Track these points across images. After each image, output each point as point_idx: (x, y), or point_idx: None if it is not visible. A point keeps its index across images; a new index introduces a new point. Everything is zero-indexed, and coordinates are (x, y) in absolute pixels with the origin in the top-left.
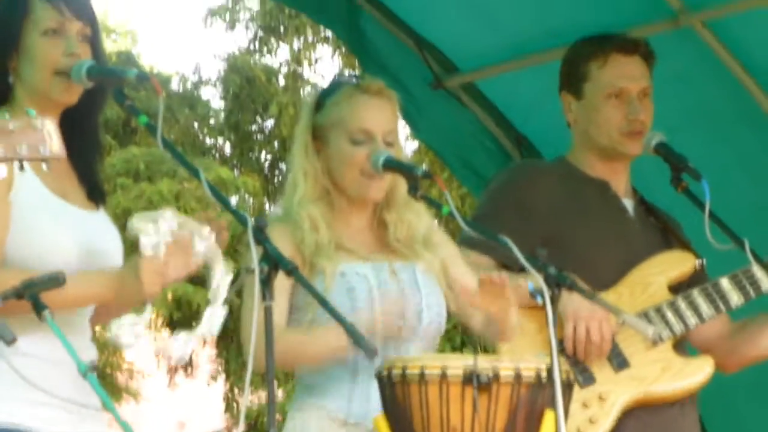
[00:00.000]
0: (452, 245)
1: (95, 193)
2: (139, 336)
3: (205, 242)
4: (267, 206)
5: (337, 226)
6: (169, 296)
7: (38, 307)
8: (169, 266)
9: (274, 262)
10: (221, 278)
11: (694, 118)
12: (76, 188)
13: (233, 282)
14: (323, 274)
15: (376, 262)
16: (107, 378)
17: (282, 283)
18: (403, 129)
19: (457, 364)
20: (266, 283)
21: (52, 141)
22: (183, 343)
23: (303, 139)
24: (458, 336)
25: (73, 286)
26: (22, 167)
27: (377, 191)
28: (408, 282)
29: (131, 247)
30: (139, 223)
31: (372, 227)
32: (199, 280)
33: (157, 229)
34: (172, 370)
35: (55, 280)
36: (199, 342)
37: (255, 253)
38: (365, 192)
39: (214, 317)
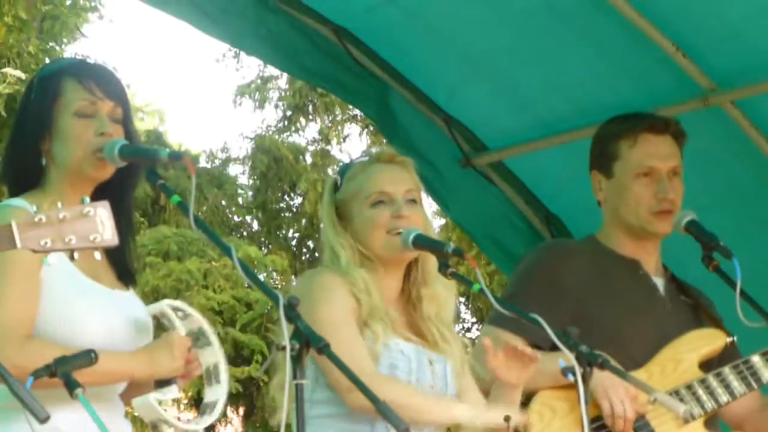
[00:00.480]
0: (462, 344)
1: (126, 275)
2: (160, 414)
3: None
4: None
5: (380, 293)
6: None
7: (71, 386)
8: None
9: (305, 339)
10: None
11: (724, 196)
12: (107, 268)
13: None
14: (373, 339)
15: (418, 345)
16: None
17: None
18: (430, 206)
19: None
20: (297, 360)
21: (105, 229)
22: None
23: (329, 218)
24: None
25: (105, 363)
26: (72, 257)
27: (407, 253)
28: (440, 376)
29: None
30: (171, 309)
31: (401, 301)
32: (230, 359)
33: (188, 318)
34: None
35: (88, 358)
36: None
37: (286, 330)
38: (396, 251)
39: (221, 397)
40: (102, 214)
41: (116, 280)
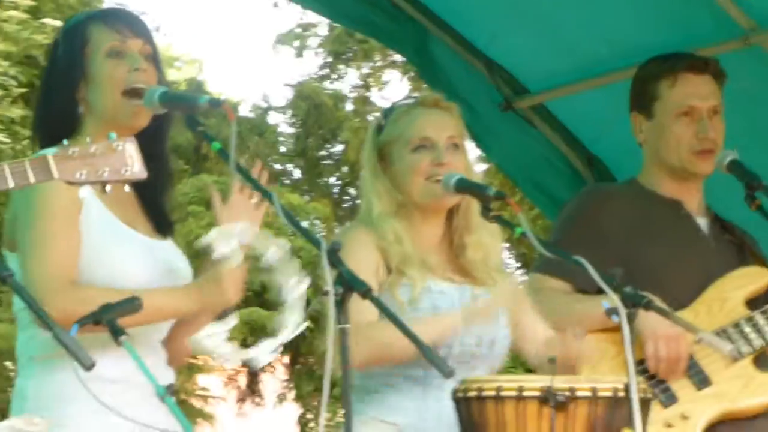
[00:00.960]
0: (516, 280)
1: (162, 224)
2: (223, 342)
3: (277, 253)
4: (337, 231)
5: (415, 242)
6: (243, 322)
7: (116, 332)
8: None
9: (348, 284)
10: (296, 288)
11: (765, 136)
12: (144, 217)
13: (307, 306)
14: (411, 285)
15: (460, 285)
16: (182, 402)
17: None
18: (473, 150)
19: (534, 384)
20: (341, 305)
21: (134, 163)
22: (263, 350)
23: (370, 161)
24: None
25: (153, 301)
26: (104, 189)
27: (447, 200)
28: (491, 313)
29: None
30: (215, 234)
31: (443, 246)
32: (272, 304)
33: (232, 241)
34: (241, 398)
35: (132, 305)
36: (277, 349)
37: (329, 275)
38: (435, 198)
39: (292, 324)
40: (130, 149)
41: (153, 230)
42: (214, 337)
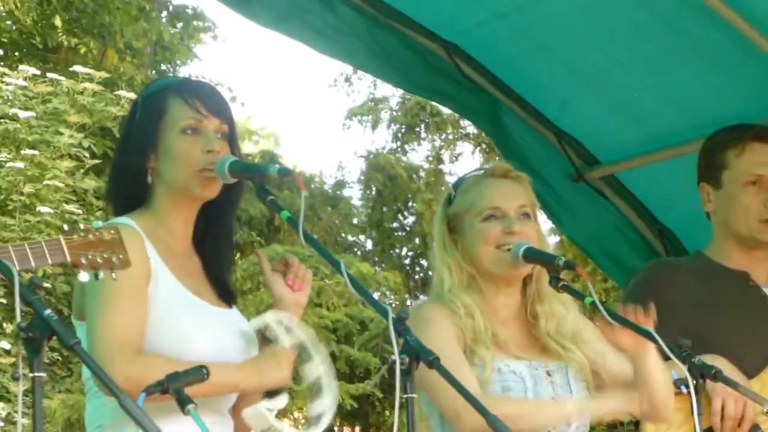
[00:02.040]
0: (602, 338)
1: (226, 293)
2: (271, 422)
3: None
4: (408, 302)
5: (488, 315)
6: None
7: (183, 402)
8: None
9: (415, 353)
10: (318, 366)
11: None
12: (209, 287)
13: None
14: (482, 365)
15: (532, 362)
16: None
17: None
18: (544, 222)
19: None
20: (407, 374)
21: (122, 251)
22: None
23: (440, 233)
24: None
25: (221, 373)
26: (97, 277)
27: (519, 270)
28: (561, 385)
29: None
30: (272, 318)
31: (520, 318)
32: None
33: (290, 333)
34: None
35: (200, 375)
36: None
37: (396, 344)
38: (506, 267)
39: (331, 406)
40: (117, 238)
41: (218, 299)
42: (264, 415)
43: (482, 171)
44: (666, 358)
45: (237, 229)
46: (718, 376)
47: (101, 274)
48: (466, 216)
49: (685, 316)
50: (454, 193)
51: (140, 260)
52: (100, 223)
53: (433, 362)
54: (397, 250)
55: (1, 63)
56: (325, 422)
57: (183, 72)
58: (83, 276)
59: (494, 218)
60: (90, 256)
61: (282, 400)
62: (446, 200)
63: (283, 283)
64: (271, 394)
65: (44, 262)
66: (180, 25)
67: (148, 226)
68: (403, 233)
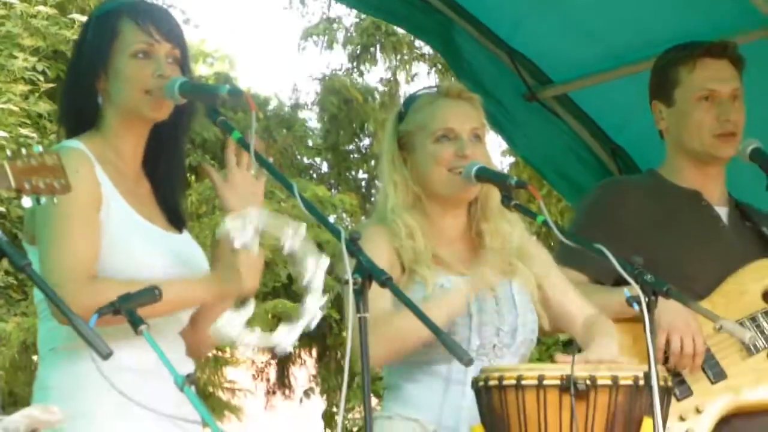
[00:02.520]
0: (548, 256)
1: (177, 217)
2: (243, 329)
3: (293, 238)
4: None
5: (432, 236)
6: (269, 314)
7: (135, 323)
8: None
9: (368, 272)
10: (315, 270)
11: None
12: (159, 211)
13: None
14: (423, 284)
15: (478, 278)
16: (209, 396)
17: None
18: (499, 144)
19: (554, 372)
20: (360, 294)
21: (63, 177)
22: (286, 334)
23: (389, 149)
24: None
25: (172, 291)
26: (39, 201)
27: (468, 192)
28: (504, 299)
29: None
30: (230, 223)
31: (466, 237)
32: (298, 297)
33: (248, 228)
34: (270, 391)
35: (151, 295)
36: (299, 332)
37: (348, 264)
38: (457, 189)
39: (313, 307)
40: (59, 162)
41: (169, 224)
42: (233, 325)
43: (435, 89)
44: (617, 282)
45: (191, 152)
46: (670, 292)
47: (43, 199)
48: (418, 135)
49: (637, 235)
50: (405, 110)
51: (91, 186)
52: (41, 148)
53: (386, 281)
54: (353, 173)
55: None
56: (303, 320)
57: None
58: (26, 201)
59: (447, 139)
60: (33, 182)
61: (249, 309)
62: (397, 116)
63: (233, 190)
64: (238, 304)
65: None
66: None
67: (97, 149)
68: (359, 156)
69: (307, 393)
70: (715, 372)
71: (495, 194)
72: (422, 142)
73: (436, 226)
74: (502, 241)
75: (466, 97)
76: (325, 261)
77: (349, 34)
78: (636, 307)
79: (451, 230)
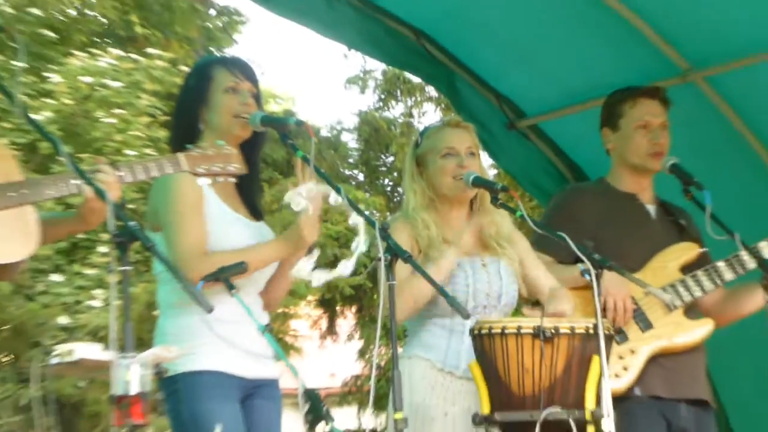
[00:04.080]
0: (526, 242)
1: (255, 211)
2: (312, 270)
3: (333, 195)
4: (389, 217)
5: (443, 227)
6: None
7: (229, 287)
8: (316, 219)
9: (394, 252)
10: (359, 240)
11: (697, 151)
12: (242, 206)
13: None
14: (434, 262)
15: (473, 256)
16: (279, 341)
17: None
18: (486, 160)
19: (529, 323)
20: (389, 268)
21: (236, 161)
22: (343, 267)
23: (410, 167)
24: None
25: (254, 252)
26: (216, 181)
27: (467, 194)
28: (494, 273)
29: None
30: (289, 195)
31: (468, 227)
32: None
33: (303, 196)
34: (323, 337)
35: (240, 268)
36: (352, 267)
37: (381, 246)
38: (459, 192)
39: (347, 265)
40: (233, 152)
41: (250, 214)
42: (305, 268)
43: (441, 122)
44: (576, 261)
45: (263, 168)
46: (611, 267)
47: (219, 179)
48: (429, 154)
49: (589, 226)
50: (420, 139)
51: (195, 189)
52: (223, 143)
53: (408, 258)
54: (381, 181)
55: (97, 47)
56: (358, 250)
57: (225, 53)
58: (201, 180)
59: (450, 156)
60: (207, 167)
61: (314, 255)
62: (415, 144)
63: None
64: (306, 253)
65: (164, 172)
66: (223, 18)
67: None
68: (385, 169)
69: (349, 337)
70: (644, 324)
71: (487, 195)
72: (433, 159)
73: (445, 218)
74: (496, 229)
75: (464, 126)
76: (360, 219)
77: (378, 81)
78: (587, 277)
79: (457, 221)
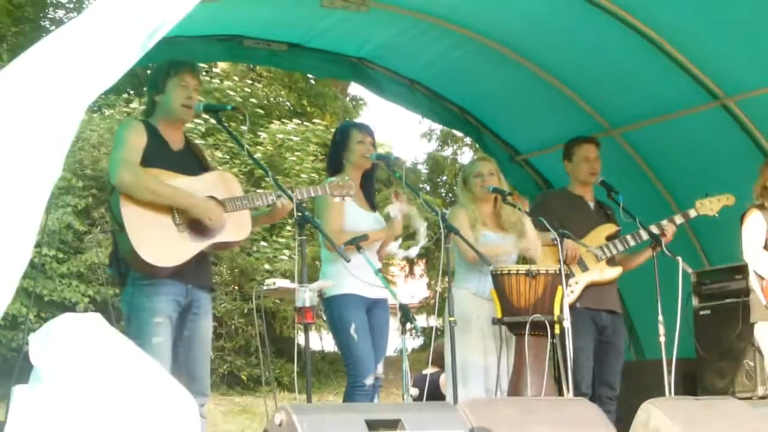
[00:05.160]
0: (530, 223)
1: (372, 206)
2: (398, 248)
3: (416, 215)
4: (445, 210)
5: (479, 213)
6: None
7: (358, 248)
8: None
9: (450, 229)
10: (422, 226)
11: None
12: (365, 202)
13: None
14: (476, 233)
15: (496, 232)
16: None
17: None
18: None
19: (524, 268)
20: (446, 237)
21: (352, 189)
22: (414, 249)
23: (460, 185)
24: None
25: (373, 234)
26: (343, 199)
27: (489, 196)
28: (509, 243)
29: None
30: (389, 208)
31: (494, 214)
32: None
33: (397, 209)
34: (407, 275)
35: (365, 238)
36: (418, 249)
37: (442, 225)
38: (484, 195)
39: (415, 249)
40: (352, 183)
41: (369, 208)
42: (395, 247)
43: (475, 158)
44: (546, 228)
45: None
46: (569, 236)
47: (344, 198)
48: (469, 176)
49: (556, 213)
50: (465, 168)
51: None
52: (348, 177)
53: (456, 232)
54: (439, 191)
55: (285, 118)
56: (420, 242)
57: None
58: (336, 199)
59: (480, 176)
60: (338, 192)
61: (399, 241)
62: (462, 171)
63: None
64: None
65: (317, 194)
66: (353, 101)
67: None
68: (440, 183)
69: (421, 276)
70: (583, 267)
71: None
72: (472, 180)
73: (480, 209)
74: (509, 214)
75: (488, 160)
76: (424, 222)
77: (438, 135)
78: (556, 242)
79: (486, 209)
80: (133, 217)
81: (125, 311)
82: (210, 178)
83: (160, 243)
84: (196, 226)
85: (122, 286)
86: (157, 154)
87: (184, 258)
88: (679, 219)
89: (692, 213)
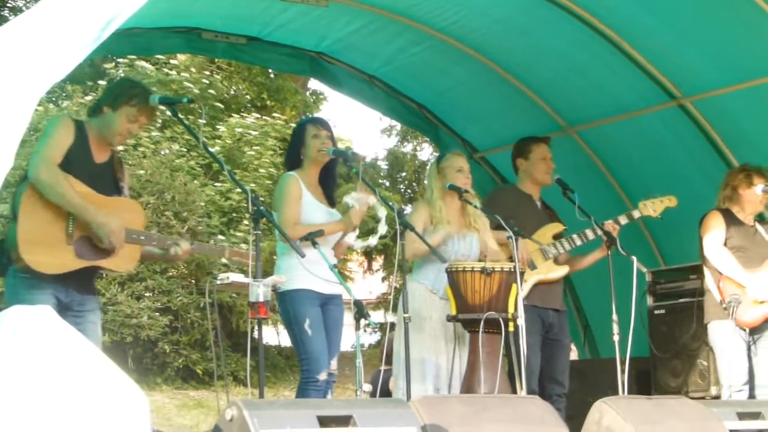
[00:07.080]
0: (486, 221)
1: (331, 201)
2: (355, 240)
3: (373, 201)
4: (405, 208)
5: (446, 211)
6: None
7: (314, 244)
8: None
9: (405, 225)
10: (381, 216)
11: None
12: (324, 198)
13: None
14: (437, 231)
15: (459, 230)
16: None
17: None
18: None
19: (479, 265)
20: (402, 235)
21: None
22: (373, 239)
23: (432, 173)
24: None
25: (328, 226)
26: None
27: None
28: (468, 242)
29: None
30: (347, 197)
31: (459, 211)
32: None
33: (355, 199)
34: (364, 270)
35: (320, 233)
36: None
37: (398, 221)
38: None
39: (381, 231)
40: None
41: (328, 203)
42: (352, 238)
43: (452, 152)
44: (501, 226)
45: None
46: (523, 234)
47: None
48: (448, 171)
49: (508, 210)
50: (440, 160)
51: (298, 189)
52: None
53: (412, 228)
54: (398, 187)
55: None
56: (380, 231)
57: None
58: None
59: (462, 171)
60: (236, 258)
61: (356, 232)
62: (437, 161)
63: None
64: (353, 230)
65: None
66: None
67: (301, 175)
68: (400, 179)
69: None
70: (532, 266)
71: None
72: (451, 173)
73: (449, 206)
74: (472, 213)
75: (462, 155)
76: (384, 212)
77: (398, 131)
78: (512, 240)
79: (454, 206)
80: (30, 212)
81: (6, 298)
82: (118, 204)
83: (45, 249)
84: (86, 242)
85: (3, 276)
86: (78, 161)
87: (63, 270)
88: (623, 219)
89: (636, 214)
